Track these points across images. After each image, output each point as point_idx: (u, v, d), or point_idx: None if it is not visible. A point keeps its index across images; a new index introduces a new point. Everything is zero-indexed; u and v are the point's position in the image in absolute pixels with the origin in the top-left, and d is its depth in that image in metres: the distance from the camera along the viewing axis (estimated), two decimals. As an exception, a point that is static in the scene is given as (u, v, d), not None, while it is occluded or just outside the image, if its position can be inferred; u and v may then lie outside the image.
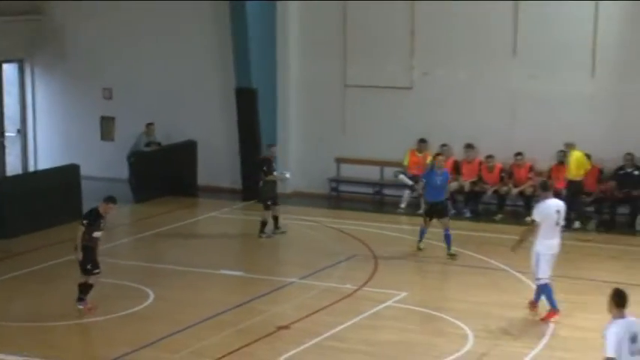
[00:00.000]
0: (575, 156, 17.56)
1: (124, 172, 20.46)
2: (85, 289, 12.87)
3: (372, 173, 20.07)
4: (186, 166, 20.78)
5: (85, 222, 12.82)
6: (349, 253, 15.97)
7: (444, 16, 19.11)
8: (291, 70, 20.43)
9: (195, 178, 20.91)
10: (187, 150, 20.88)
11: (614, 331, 7.99)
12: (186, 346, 11.67)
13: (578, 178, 17.57)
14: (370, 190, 20.14)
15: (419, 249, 15.92)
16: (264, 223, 17.13)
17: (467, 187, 18.65)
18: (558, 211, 12.69)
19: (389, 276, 14.67)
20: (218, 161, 20.84)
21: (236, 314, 12.94)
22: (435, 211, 15.75)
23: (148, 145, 20.62)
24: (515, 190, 18.37)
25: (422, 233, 15.92)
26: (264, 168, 17.08)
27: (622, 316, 8.10)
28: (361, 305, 13.20)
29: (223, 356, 11.34)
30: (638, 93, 17.89)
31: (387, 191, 20.01)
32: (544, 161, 18.36)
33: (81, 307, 12.82)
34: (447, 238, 15.59)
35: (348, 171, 20.29)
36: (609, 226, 17.67)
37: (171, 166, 20.37)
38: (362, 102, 19.98)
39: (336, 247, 16.44)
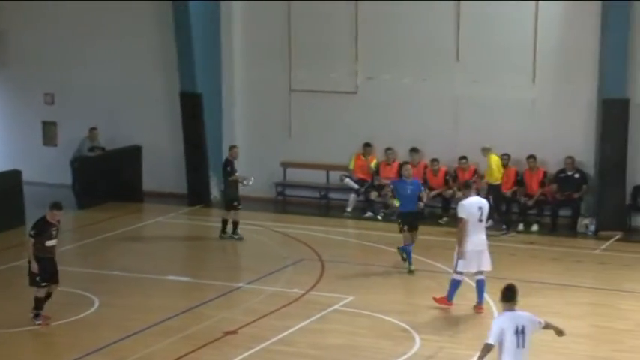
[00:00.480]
0: (494, 160, 17.83)
1: (67, 177, 20.22)
2: (37, 303, 12.62)
3: (318, 177, 20.15)
4: (130, 171, 20.59)
5: (32, 233, 12.59)
6: (296, 258, 16.00)
7: (387, 21, 19.27)
8: (235, 74, 20.41)
9: (140, 183, 20.73)
10: (132, 155, 20.70)
11: (499, 322, 8.61)
12: (133, 353, 11.58)
13: (498, 182, 17.83)
14: (316, 194, 20.21)
15: (410, 272, 14.96)
16: (225, 222, 17.13)
17: (412, 190, 18.81)
18: (480, 208, 13.00)
19: (336, 280, 14.74)
20: (163, 166, 20.71)
21: (183, 320, 12.87)
22: (407, 222, 14.95)
23: (91, 150, 20.40)
24: (459, 194, 18.58)
25: (409, 253, 14.96)
26: (228, 169, 17.09)
27: (510, 309, 8.69)
28: (309, 309, 13.24)
29: (171, 362, 11.31)
30: (578, 96, 18.24)
31: (333, 195, 20.10)
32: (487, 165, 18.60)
33: (38, 322, 12.59)
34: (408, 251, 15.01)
35: (294, 175, 20.33)
36: (551, 228, 18.00)
37: (115, 172, 20.16)
38: (307, 106, 20.05)
39: (282, 252, 16.47)
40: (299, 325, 12.58)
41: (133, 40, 20.88)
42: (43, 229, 12.58)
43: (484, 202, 13.21)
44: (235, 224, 17.19)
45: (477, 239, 12.99)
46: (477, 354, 8.65)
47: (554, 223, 18.04)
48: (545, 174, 18.26)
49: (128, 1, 20.60)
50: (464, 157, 18.57)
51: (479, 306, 13.22)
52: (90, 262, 16.03)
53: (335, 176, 19.90)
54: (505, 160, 18.30)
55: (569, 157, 18.07)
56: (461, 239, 12.96)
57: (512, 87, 18.55)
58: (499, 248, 16.78)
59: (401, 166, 15.96)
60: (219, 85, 20.38)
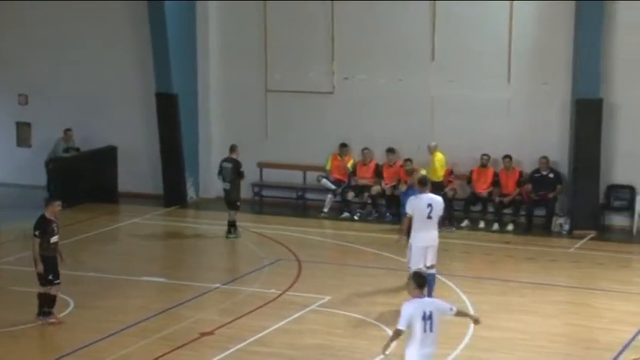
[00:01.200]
0: (438, 157, 18.01)
1: (41, 178, 20.10)
2: (49, 301, 12.60)
3: (294, 178, 20.14)
4: (106, 172, 20.50)
5: (37, 233, 12.51)
6: (273, 258, 16.00)
7: (363, 22, 19.30)
8: (211, 74, 20.36)
9: (115, 184, 20.64)
10: (107, 156, 20.61)
11: (409, 308, 8.93)
12: (109, 354, 11.53)
13: (440, 180, 17.96)
14: (293, 194, 20.20)
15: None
16: (233, 223, 17.23)
17: (388, 190, 18.87)
18: (430, 205, 13.04)
19: (313, 280, 14.75)
20: (139, 167, 20.62)
21: (159, 321, 12.82)
22: None
23: (66, 150, 20.29)
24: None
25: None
26: (242, 170, 17.26)
27: (420, 296, 9.01)
28: (285, 309, 13.24)
29: (147, 364, 11.27)
30: (552, 96, 18.36)
31: (309, 195, 20.10)
32: (463, 165, 18.72)
33: (51, 320, 12.57)
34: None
35: (271, 176, 20.32)
36: (526, 228, 18.11)
37: (90, 173, 20.06)
38: (284, 107, 20.04)
39: (259, 252, 16.45)
40: (276, 326, 12.57)
41: (108, 40, 20.77)
42: (45, 226, 12.52)
43: (436, 200, 13.17)
44: (233, 224, 17.32)
45: (426, 236, 13.07)
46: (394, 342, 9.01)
47: (530, 223, 18.14)
48: (521, 174, 18.36)
49: (103, 1, 20.48)
50: (441, 157, 18.63)
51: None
52: (65, 263, 15.90)
53: (312, 177, 19.91)
54: (485, 160, 18.41)
55: (544, 157, 18.18)
56: (401, 229, 13.36)
57: (487, 87, 18.64)
58: (475, 248, 16.94)
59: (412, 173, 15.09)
60: (195, 85, 20.32)
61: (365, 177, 19.27)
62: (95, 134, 20.75)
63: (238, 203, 17.41)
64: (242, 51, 20.20)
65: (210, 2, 20.09)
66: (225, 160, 17.53)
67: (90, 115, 20.91)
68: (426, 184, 13.41)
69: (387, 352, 9.20)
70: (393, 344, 9.14)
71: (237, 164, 17.35)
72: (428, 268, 13.24)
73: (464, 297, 13.77)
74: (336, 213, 19.18)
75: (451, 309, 9.24)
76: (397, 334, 8.98)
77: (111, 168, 20.59)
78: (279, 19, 19.79)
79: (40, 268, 12.47)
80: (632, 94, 17.83)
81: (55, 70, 21.18)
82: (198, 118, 20.45)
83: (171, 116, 19.86)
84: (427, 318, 8.89)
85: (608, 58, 17.70)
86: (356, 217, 18.99)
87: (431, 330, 8.93)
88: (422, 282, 9.11)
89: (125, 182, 20.61)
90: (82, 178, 19.86)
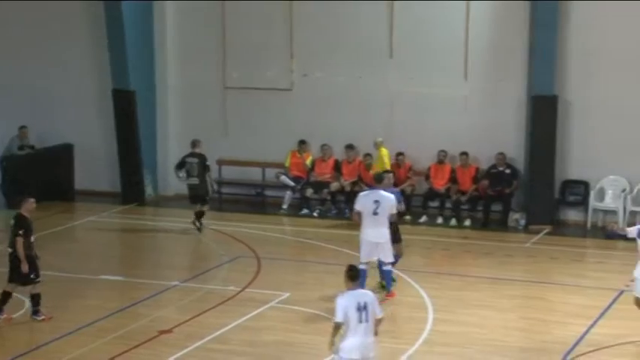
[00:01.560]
0: (384, 153, 18.21)
1: (-4, 176, 19.83)
2: (38, 299, 12.51)
3: (253, 175, 20.12)
4: (62, 169, 20.28)
5: (21, 232, 12.36)
6: (232, 255, 15.97)
7: (322, 20, 19.34)
8: (169, 71, 20.25)
9: (72, 181, 20.43)
10: (63, 153, 20.38)
11: (343, 300, 9.16)
12: (65, 354, 11.43)
13: None
14: (252, 191, 20.17)
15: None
16: (202, 214, 17.30)
17: (347, 187, 18.93)
18: (377, 202, 13.05)
19: (272, 277, 14.75)
20: (96, 164, 20.44)
21: (117, 320, 12.74)
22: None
23: (21, 148, 20.04)
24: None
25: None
26: (207, 164, 17.31)
27: (354, 288, 9.26)
28: (245, 307, 13.23)
29: (104, 363, 11.19)
30: (508, 93, 18.55)
31: (268, 192, 20.09)
32: (421, 161, 18.85)
33: (41, 317, 12.47)
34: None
35: (230, 173, 20.27)
36: (483, 223, 18.29)
37: (46, 170, 19.82)
38: (242, 104, 19.99)
39: (219, 249, 16.41)
40: (235, 323, 12.56)
41: (63, 38, 20.51)
42: (28, 225, 12.43)
43: (385, 197, 13.11)
44: (202, 214, 17.31)
45: (373, 232, 13.10)
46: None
47: (487, 218, 18.32)
48: (477, 170, 18.53)
49: (59, 1, 20.24)
50: (401, 154, 18.73)
51: (387, 294, 13.37)
52: (40, 261, 15.70)
53: (271, 173, 19.89)
54: (442, 156, 18.54)
55: (501, 153, 18.37)
56: (356, 224, 13.29)
57: (444, 84, 18.77)
58: (433, 243, 17.07)
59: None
60: (152, 82, 20.19)
61: (324, 173, 19.30)
62: (51, 132, 20.52)
63: (207, 197, 17.44)
64: (200, 49, 20.10)
65: (167, 3, 19.95)
66: (191, 155, 17.47)
67: (45, 113, 20.64)
68: (380, 181, 13.47)
69: (332, 348, 9.27)
70: (337, 339, 9.21)
71: (203, 159, 17.33)
72: (385, 264, 13.34)
73: (422, 292, 13.88)
74: (295, 210, 19.20)
75: (380, 312, 9.34)
76: (337, 327, 9.12)
77: (67, 166, 20.38)
78: (237, 18, 19.71)
79: (25, 268, 12.33)
80: (586, 92, 18.07)
81: (10, 67, 20.87)
82: (156, 115, 20.32)
83: (128, 113, 19.70)
84: (362, 308, 9.07)
85: (562, 56, 17.92)
86: (315, 214, 19.02)
87: (366, 320, 9.08)
88: (355, 275, 9.33)
89: (82, 180, 20.41)
90: (37, 176, 19.57)
